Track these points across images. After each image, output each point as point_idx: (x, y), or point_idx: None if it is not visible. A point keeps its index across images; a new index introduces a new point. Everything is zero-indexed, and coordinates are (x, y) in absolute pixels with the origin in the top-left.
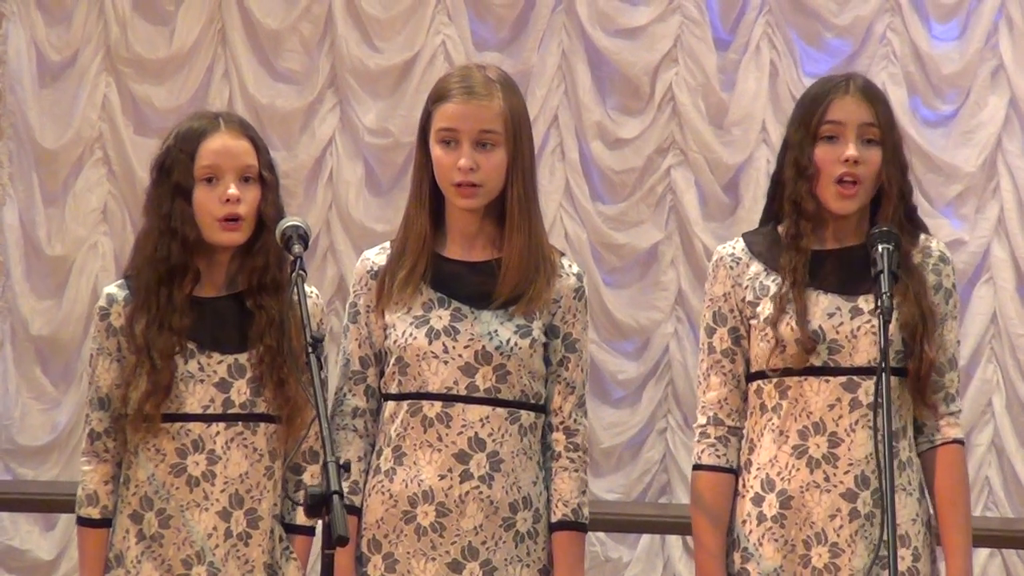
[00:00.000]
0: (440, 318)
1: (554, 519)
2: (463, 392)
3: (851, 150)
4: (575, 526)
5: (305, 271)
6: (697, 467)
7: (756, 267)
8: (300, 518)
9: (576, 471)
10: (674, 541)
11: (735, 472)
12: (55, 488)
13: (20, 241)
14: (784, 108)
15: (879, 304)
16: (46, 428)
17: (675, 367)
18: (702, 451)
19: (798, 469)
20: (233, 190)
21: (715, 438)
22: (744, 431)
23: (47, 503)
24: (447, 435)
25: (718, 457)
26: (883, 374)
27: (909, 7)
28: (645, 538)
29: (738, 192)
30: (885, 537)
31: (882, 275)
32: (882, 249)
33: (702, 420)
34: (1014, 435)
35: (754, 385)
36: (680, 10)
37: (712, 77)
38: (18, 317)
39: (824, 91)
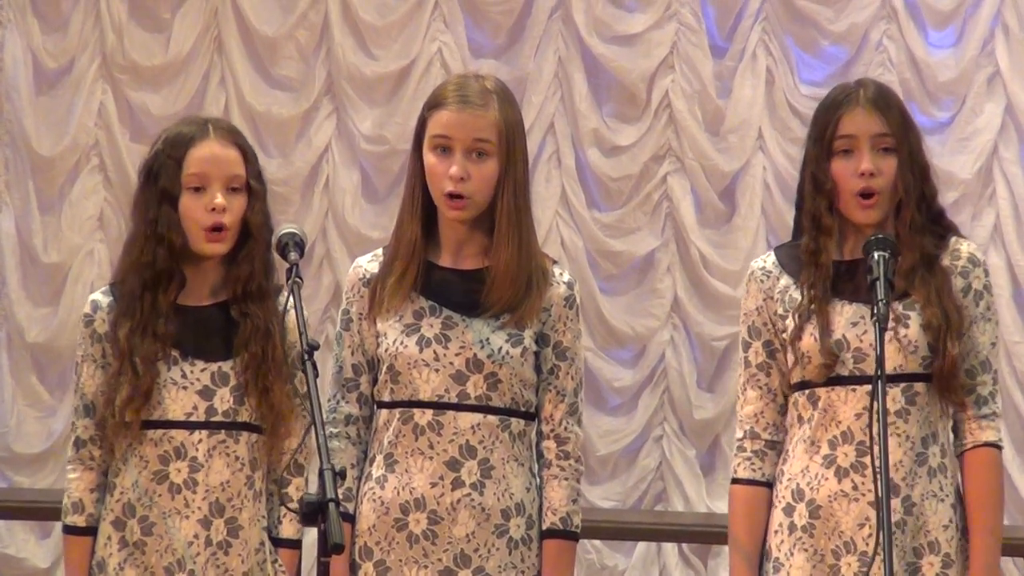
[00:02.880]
0: (431, 326)
1: (544, 527)
2: (454, 400)
3: (865, 163)
4: (565, 534)
5: (301, 278)
6: (734, 480)
7: (785, 280)
8: (287, 531)
9: (567, 479)
10: (670, 549)
11: (771, 485)
12: (51, 496)
13: (16, 248)
14: (780, 115)
15: (875, 312)
16: (42, 436)
17: (671, 375)
18: (738, 464)
19: (827, 479)
20: (219, 200)
21: (751, 452)
22: (781, 444)
23: (43, 511)
24: (438, 443)
25: (754, 471)
26: (879, 382)
27: (905, 14)
28: (641, 546)
29: (734, 199)
30: (892, 545)
31: (877, 283)
32: (877, 256)
33: (739, 434)
34: (1010, 443)
35: (792, 398)
36: (676, 17)
37: (708, 84)
38: (14, 324)
39: (836, 102)
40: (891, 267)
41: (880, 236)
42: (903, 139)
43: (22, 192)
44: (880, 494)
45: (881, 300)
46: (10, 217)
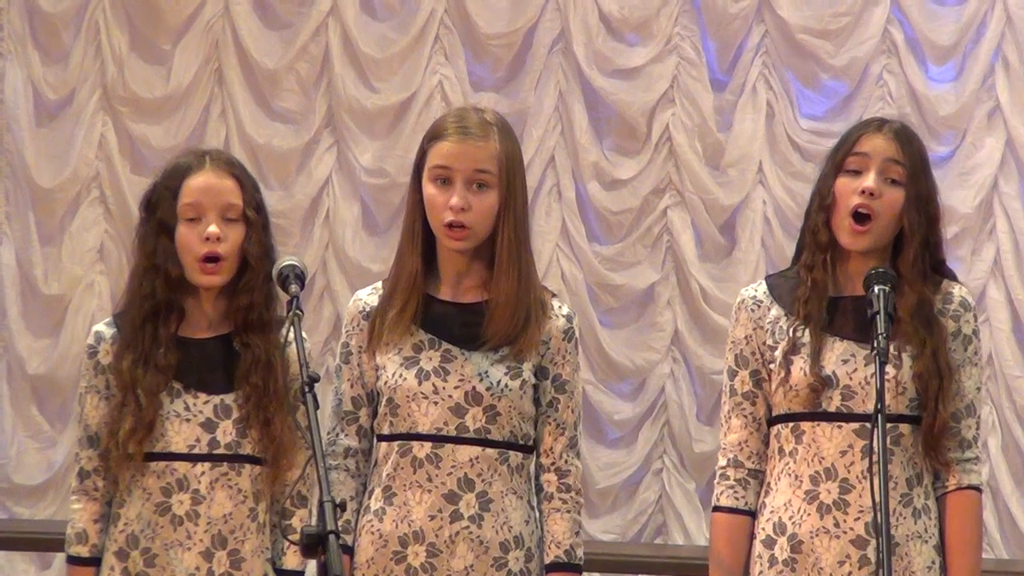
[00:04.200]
0: (430, 359)
1: (547, 560)
2: (453, 432)
3: (869, 182)
4: (569, 567)
5: (302, 311)
6: (716, 508)
7: (776, 311)
8: (290, 562)
9: (568, 512)
10: None
11: (753, 514)
12: (51, 527)
13: (16, 280)
14: (781, 149)
15: (875, 346)
16: (42, 467)
17: (671, 408)
18: (721, 492)
19: (809, 514)
20: (214, 228)
21: (735, 480)
22: (764, 474)
23: (43, 542)
24: (437, 475)
25: (736, 499)
26: (879, 416)
27: (905, 49)
28: None
29: (734, 233)
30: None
31: (878, 316)
32: (878, 291)
33: (723, 462)
34: (1010, 477)
35: (775, 429)
36: (677, 51)
37: (709, 118)
38: (14, 356)
39: (858, 129)
40: (891, 301)
41: (881, 270)
42: (914, 177)
43: (23, 223)
44: (880, 528)
45: (881, 334)
46: (11, 248)
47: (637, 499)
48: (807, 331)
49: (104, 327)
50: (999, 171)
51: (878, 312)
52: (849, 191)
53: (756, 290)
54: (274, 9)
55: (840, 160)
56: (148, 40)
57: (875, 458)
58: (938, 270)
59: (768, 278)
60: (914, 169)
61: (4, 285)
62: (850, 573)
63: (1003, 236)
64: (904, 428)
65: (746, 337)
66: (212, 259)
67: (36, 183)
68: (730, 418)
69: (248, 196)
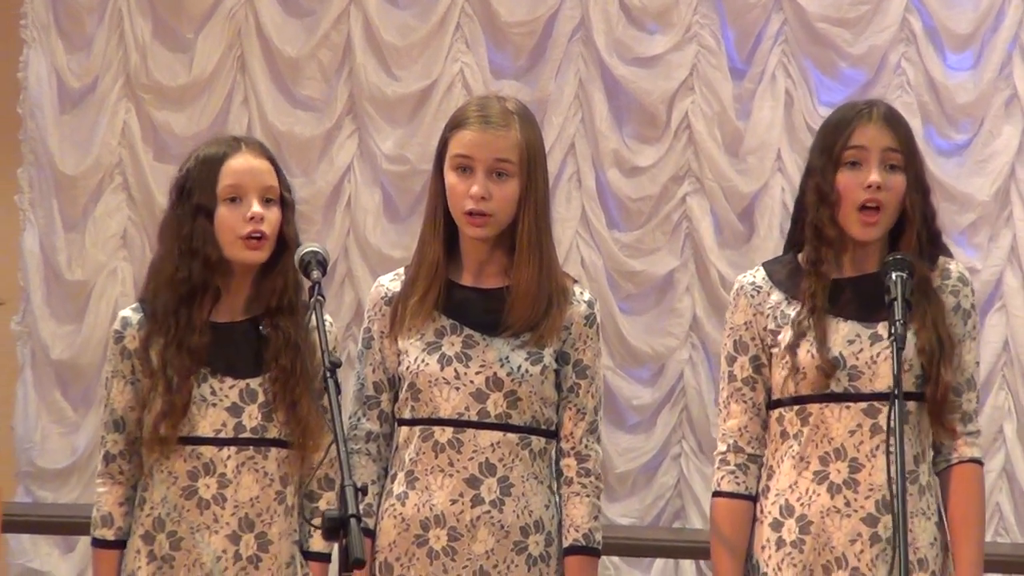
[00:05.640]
0: (452, 344)
1: (566, 544)
2: (474, 418)
3: (875, 175)
4: (587, 551)
5: (324, 296)
6: (716, 494)
7: (777, 296)
8: (316, 544)
9: (588, 496)
10: (687, 566)
11: (753, 499)
12: (75, 511)
13: (40, 266)
14: (799, 137)
15: (892, 332)
16: (66, 451)
17: (690, 393)
18: (721, 478)
19: (818, 495)
20: (257, 208)
21: (735, 465)
22: (764, 458)
23: (67, 526)
24: (458, 460)
25: (737, 484)
26: (896, 400)
27: (924, 37)
28: (659, 562)
29: (753, 220)
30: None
31: (895, 303)
32: (896, 277)
33: (722, 447)
34: (1023, 453)
35: (775, 413)
36: (696, 39)
37: (728, 106)
38: (38, 342)
39: (847, 117)
40: (909, 287)
41: (899, 256)
42: (911, 159)
43: (46, 210)
44: (896, 512)
45: (899, 320)
46: (34, 235)
47: (656, 483)
48: (813, 316)
49: (131, 312)
50: (1016, 159)
51: (895, 299)
52: (854, 185)
53: (755, 276)
54: None
55: (838, 154)
56: (171, 28)
57: (891, 442)
58: (935, 243)
59: (765, 264)
60: (909, 151)
61: (28, 271)
62: (862, 551)
63: (1020, 223)
64: (911, 405)
65: (746, 323)
66: (255, 237)
67: (59, 170)
68: (729, 404)
69: (282, 179)
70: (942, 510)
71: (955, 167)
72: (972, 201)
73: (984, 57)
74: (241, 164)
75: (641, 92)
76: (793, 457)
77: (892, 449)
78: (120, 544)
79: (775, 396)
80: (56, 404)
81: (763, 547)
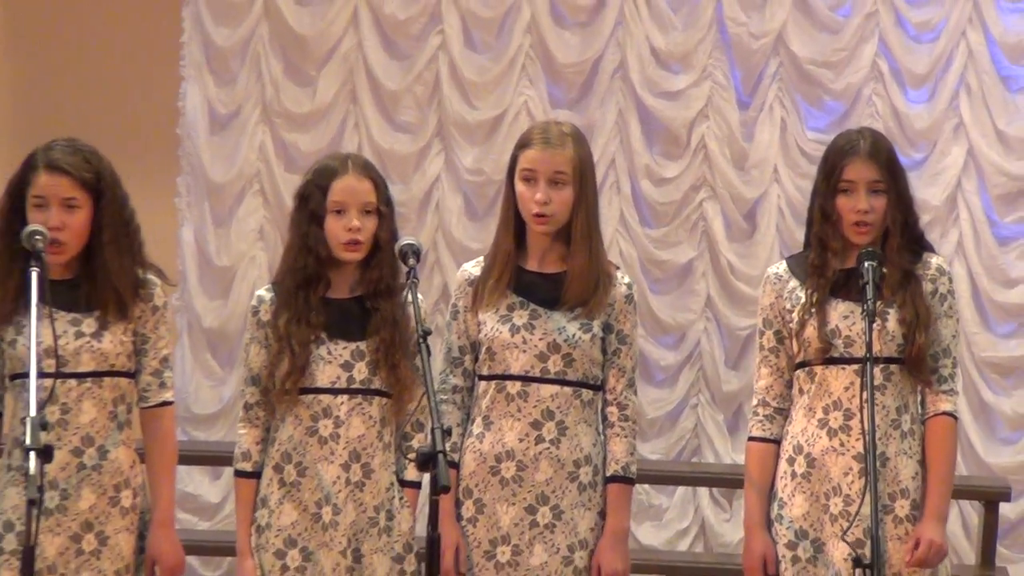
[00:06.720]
0: (521, 316)
1: (608, 473)
2: (537, 374)
3: (862, 204)
4: (624, 480)
5: (418, 279)
6: (750, 438)
7: (794, 283)
8: (411, 474)
9: (626, 436)
10: (703, 492)
11: (778, 442)
12: (221, 447)
13: (195, 254)
14: (792, 155)
15: (864, 308)
16: (214, 400)
17: (705, 356)
18: (753, 426)
19: (820, 437)
20: (355, 223)
21: (763, 416)
22: (787, 410)
23: (214, 459)
24: (525, 408)
25: (764, 431)
26: (868, 362)
27: (890, 76)
28: (680, 489)
29: (755, 220)
30: (883, 490)
31: (867, 285)
32: (867, 265)
33: (754, 402)
34: (968, 411)
35: (796, 374)
36: (711, 78)
37: (735, 130)
38: (193, 314)
39: (841, 152)
40: (879, 274)
41: (870, 250)
42: (892, 183)
43: (199, 210)
44: (868, 449)
45: (870, 299)
46: (190, 230)
47: (678, 427)
48: (815, 304)
49: (264, 292)
50: (962, 173)
51: (867, 282)
52: (848, 209)
53: (778, 268)
54: (397, 44)
55: (835, 183)
56: (298, 67)
57: (864, 395)
58: (919, 242)
59: (787, 259)
60: (890, 175)
61: (185, 259)
62: (852, 481)
63: (965, 224)
64: (894, 368)
65: (770, 304)
66: (353, 243)
67: (210, 179)
68: (760, 368)
69: (381, 193)
70: (925, 451)
71: (914, 179)
72: (927, 206)
73: (937, 92)
74: (345, 184)
75: (667, 119)
76: (804, 408)
77: (863, 401)
78: (256, 474)
79: (796, 361)
80: (206, 363)
81: (781, 477)
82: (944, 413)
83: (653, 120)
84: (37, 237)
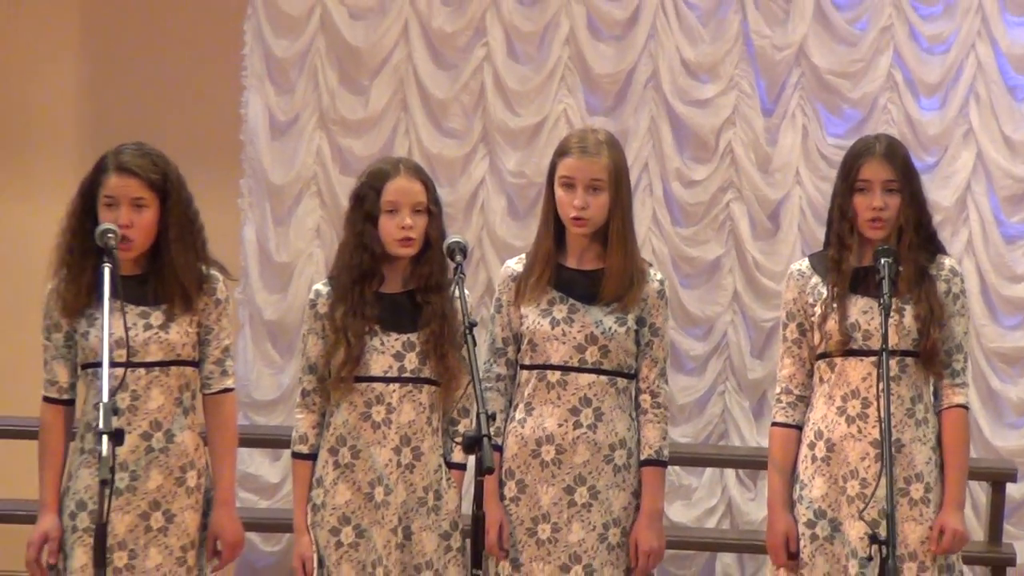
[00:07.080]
0: (560, 310)
1: (642, 457)
2: (576, 364)
3: (876, 202)
4: (657, 463)
5: (464, 275)
6: (773, 424)
7: (815, 279)
8: (457, 457)
9: (659, 422)
10: (730, 473)
11: (800, 428)
12: (280, 431)
13: (256, 251)
14: (812, 159)
15: (881, 302)
16: (274, 387)
17: (731, 347)
18: (776, 412)
19: (839, 424)
20: (408, 221)
21: (786, 403)
22: (809, 398)
23: (274, 442)
24: (564, 395)
25: (787, 417)
26: (884, 354)
27: (904, 86)
28: (708, 470)
29: (779, 220)
30: (900, 475)
31: (884, 280)
32: (884, 262)
33: (778, 390)
34: (976, 397)
35: (818, 364)
36: (737, 87)
37: (760, 136)
38: (255, 307)
39: (858, 153)
40: (894, 270)
41: (886, 247)
42: (906, 183)
43: (260, 210)
44: (884, 436)
45: (886, 293)
46: (252, 228)
47: (706, 413)
48: (835, 299)
49: (321, 286)
50: (971, 176)
51: (883, 277)
52: (863, 207)
53: (801, 265)
54: (444, 55)
55: (852, 183)
56: (352, 77)
57: (881, 385)
58: (932, 241)
59: (810, 257)
60: (904, 176)
61: (247, 255)
62: (868, 466)
63: (974, 224)
64: (909, 360)
65: (794, 299)
66: (406, 239)
67: (270, 181)
68: (784, 358)
69: (431, 194)
70: (940, 439)
71: (927, 182)
72: (939, 207)
73: (948, 101)
74: (398, 186)
75: (696, 126)
76: (824, 396)
77: (879, 391)
78: (312, 456)
79: (817, 352)
80: (267, 353)
81: (802, 461)
82: (958, 406)
83: (683, 127)
84: (109, 235)
